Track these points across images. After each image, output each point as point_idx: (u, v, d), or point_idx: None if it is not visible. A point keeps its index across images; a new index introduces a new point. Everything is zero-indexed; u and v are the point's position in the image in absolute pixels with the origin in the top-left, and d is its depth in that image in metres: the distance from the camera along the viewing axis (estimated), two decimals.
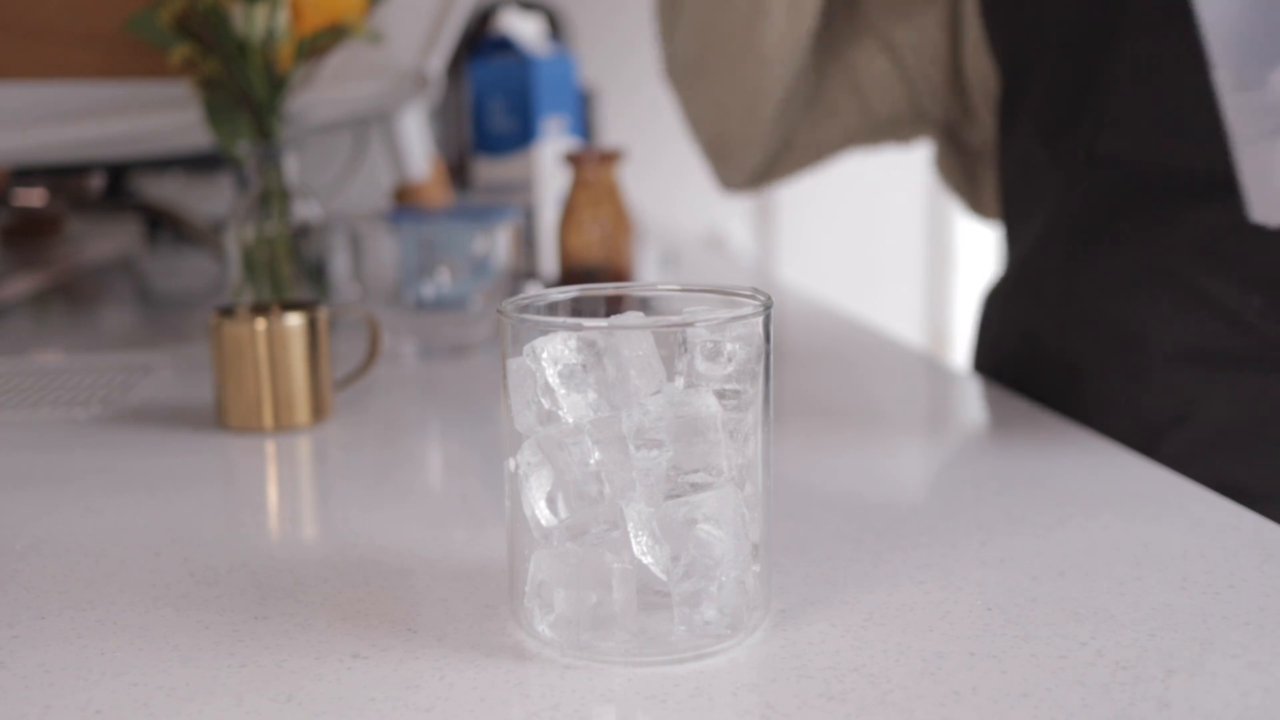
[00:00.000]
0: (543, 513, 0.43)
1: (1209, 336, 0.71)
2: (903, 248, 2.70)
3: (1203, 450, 0.70)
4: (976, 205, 0.97)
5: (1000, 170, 0.88)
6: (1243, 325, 0.69)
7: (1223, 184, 0.68)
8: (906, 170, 2.93)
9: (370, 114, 1.35)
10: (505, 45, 1.32)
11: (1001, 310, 0.91)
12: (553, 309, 0.47)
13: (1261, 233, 0.67)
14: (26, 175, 1.63)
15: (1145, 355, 0.73)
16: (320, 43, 1.03)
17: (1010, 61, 0.83)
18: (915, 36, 0.86)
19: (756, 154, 0.94)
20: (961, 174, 0.95)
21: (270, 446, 0.74)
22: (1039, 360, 0.83)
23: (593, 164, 1.05)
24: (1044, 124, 0.79)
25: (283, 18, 0.99)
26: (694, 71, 0.92)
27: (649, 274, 1.34)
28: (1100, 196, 0.76)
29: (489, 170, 1.33)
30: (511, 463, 0.44)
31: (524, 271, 1.11)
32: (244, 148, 1.02)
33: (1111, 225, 0.75)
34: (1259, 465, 0.64)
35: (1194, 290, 0.71)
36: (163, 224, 1.66)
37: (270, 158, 1.01)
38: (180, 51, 0.99)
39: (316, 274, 1.07)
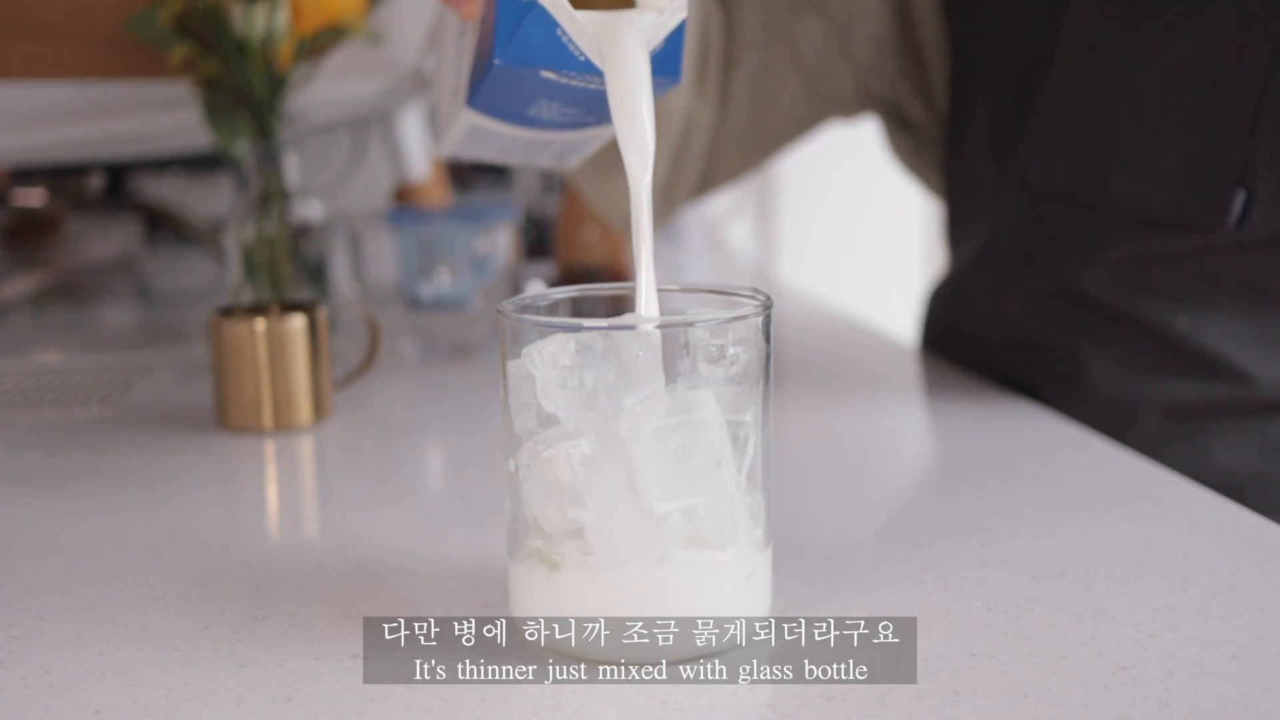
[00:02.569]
0: (542, 514, 0.43)
1: (1139, 356, 0.73)
2: (903, 247, 2.69)
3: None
4: (929, 183, 0.96)
5: (948, 173, 0.88)
6: (1171, 345, 0.72)
7: (1144, 217, 0.69)
8: None
9: (370, 114, 1.35)
10: None
11: (943, 315, 0.93)
12: (553, 309, 0.47)
13: (1182, 262, 0.70)
14: (26, 175, 1.63)
15: (1079, 375, 0.75)
16: (320, 43, 1.03)
17: (963, 69, 0.83)
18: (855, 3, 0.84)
19: (681, 193, 0.90)
20: (912, 152, 0.94)
21: (270, 446, 0.74)
22: (983, 368, 0.86)
23: None
24: (991, 142, 0.80)
25: (283, 18, 0.99)
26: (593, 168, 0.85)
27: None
28: (1031, 222, 0.78)
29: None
30: (511, 463, 0.44)
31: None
32: (244, 148, 1.02)
33: (1040, 251, 0.77)
34: (1195, 474, 0.65)
35: (1120, 315, 0.73)
36: (162, 224, 1.66)
37: (270, 158, 1.01)
38: (180, 51, 0.99)
39: (316, 274, 1.07)
